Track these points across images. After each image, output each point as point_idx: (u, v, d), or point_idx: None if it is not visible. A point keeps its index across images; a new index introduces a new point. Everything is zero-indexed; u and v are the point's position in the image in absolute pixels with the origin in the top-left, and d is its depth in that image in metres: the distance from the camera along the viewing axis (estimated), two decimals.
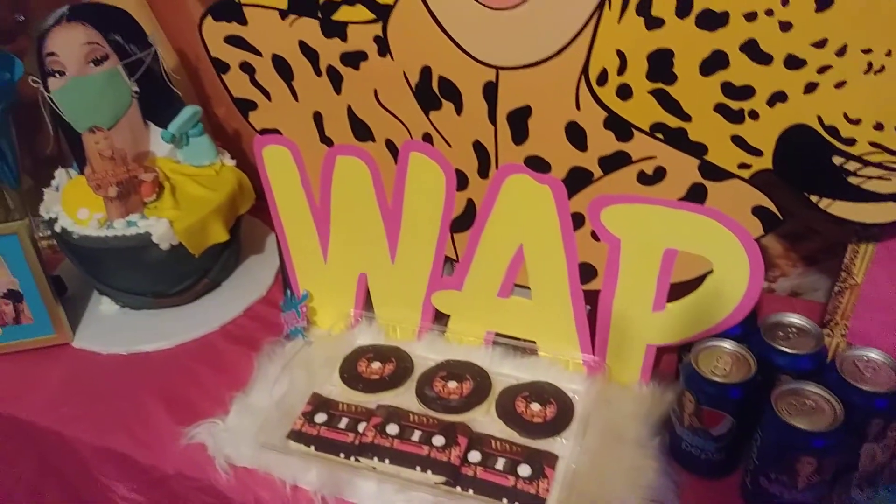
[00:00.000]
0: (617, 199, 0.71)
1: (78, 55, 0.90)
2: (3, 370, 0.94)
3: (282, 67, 0.76)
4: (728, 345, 0.68)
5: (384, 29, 0.70)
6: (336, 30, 0.72)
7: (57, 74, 0.91)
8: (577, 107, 0.67)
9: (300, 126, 0.80)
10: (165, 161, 0.99)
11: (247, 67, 0.78)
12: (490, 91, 0.70)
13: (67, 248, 0.95)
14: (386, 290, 0.88)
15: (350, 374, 0.84)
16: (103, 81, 0.92)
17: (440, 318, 0.87)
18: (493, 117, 0.71)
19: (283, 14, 0.73)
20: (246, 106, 0.80)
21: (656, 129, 0.66)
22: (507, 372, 0.83)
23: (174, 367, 0.92)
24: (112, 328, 0.98)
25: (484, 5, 0.65)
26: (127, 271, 0.96)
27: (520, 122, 0.70)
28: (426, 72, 0.71)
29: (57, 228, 0.94)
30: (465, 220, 0.79)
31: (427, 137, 0.75)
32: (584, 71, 0.66)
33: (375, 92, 0.75)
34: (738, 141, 0.63)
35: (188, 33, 1.04)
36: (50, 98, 0.91)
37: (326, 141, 0.80)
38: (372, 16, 0.70)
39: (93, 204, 0.92)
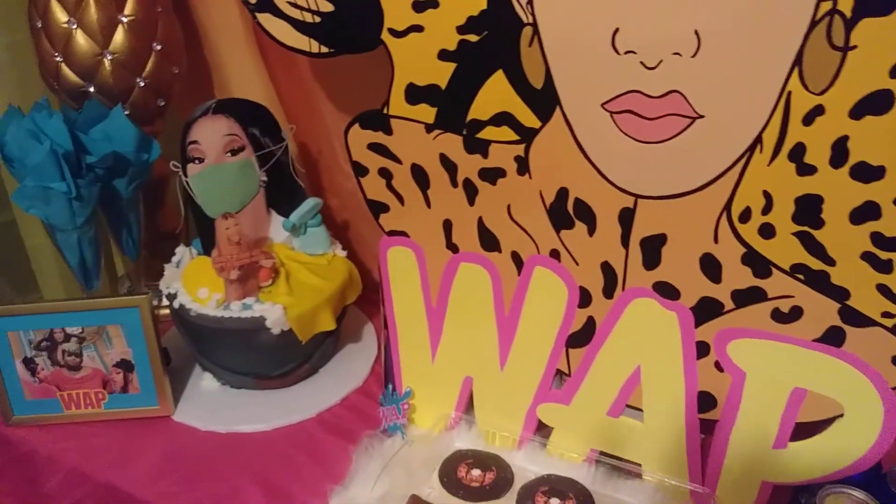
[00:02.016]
0: (747, 333, 0.70)
1: (218, 145, 0.94)
2: (106, 437, 0.95)
3: (419, 176, 0.79)
4: (857, 493, 0.66)
5: (526, 150, 0.73)
6: (478, 147, 0.75)
7: (196, 161, 0.95)
8: (715, 240, 0.68)
9: (428, 231, 0.82)
10: (282, 247, 1.02)
11: (385, 173, 0.80)
12: (626, 217, 0.71)
13: (182, 323, 0.98)
14: (490, 396, 0.88)
15: (449, 478, 0.83)
16: (237, 170, 0.96)
17: (541, 430, 0.86)
18: (625, 241, 0.72)
19: (429, 128, 0.76)
20: (378, 208, 0.83)
21: (797, 270, 0.66)
22: (609, 493, 0.81)
23: (271, 452, 0.92)
24: (212, 405, 0.99)
25: (631, 137, 0.67)
26: (235, 351, 0.98)
27: (653, 248, 0.71)
28: (563, 193, 0.73)
29: (175, 304, 0.96)
30: (582, 337, 0.79)
31: (554, 253, 0.76)
32: (727, 207, 0.66)
33: (508, 207, 0.77)
34: (884, 290, 0.62)
35: (316, 129, 1.09)
36: (186, 182, 0.95)
37: (452, 247, 0.81)
38: (516, 137, 0.72)
39: (213, 284, 0.95)
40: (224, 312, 0.93)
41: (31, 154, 0.89)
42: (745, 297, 0.69)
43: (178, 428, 0.96)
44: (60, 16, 0.98)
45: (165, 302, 1.03)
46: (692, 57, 0.61)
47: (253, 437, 0.95)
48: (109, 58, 0.99)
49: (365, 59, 0.75)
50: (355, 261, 1.07)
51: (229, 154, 0.96)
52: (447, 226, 0.80)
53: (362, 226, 1.13)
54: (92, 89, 1.01)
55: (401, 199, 0.81)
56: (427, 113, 0.75)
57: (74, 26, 0.97)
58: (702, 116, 0.63)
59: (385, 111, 0.77)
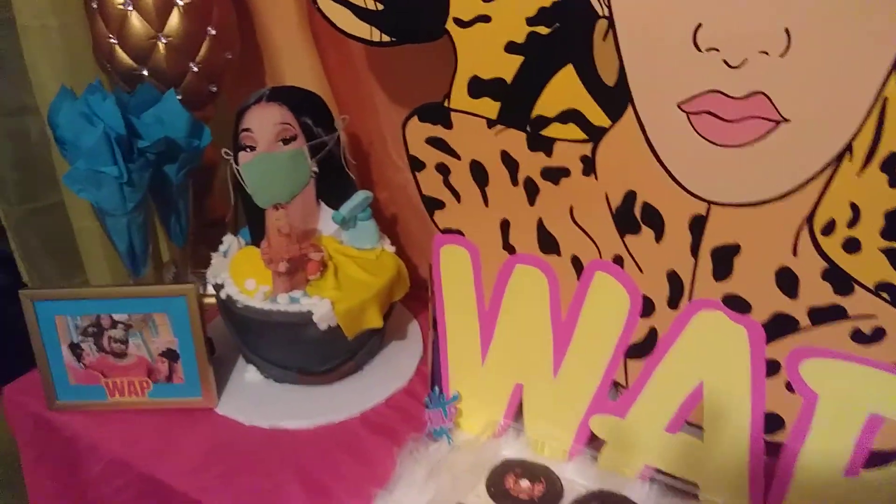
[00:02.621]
0: (822, 353, 0.66)
1: (270, 133, 0.92)
2: (148, 426, 0.94)
3: (478, 173, 0.76)
4: None
5: (594, 150, 0.69)
6: (542, 145, 0.71)
7: (248, 149, 0.93)
8: (794, 253, 0.64)
9: (485, 230, 0.79)
10: (330, 240, 1.00)
11: (442, 168, 0.78)
12: (697, 224, 0.67)
13: (228, 314, 0.96)
14: (542, 405, 0.85)
15: (497, 489, 0.80)
16: (288, 160, 0.94)
17: (593, 442, 0.83)
18: (695, 250, 0.68)
19: (491, 123, 0.73)
20: (434, 204, 0.80)
21: (882, 289, 0.61)
22: None
23: (314, 450, 0.90)
24: (255, 399, 0.98)
25: (708, 140, 0.63)
26: (281, 345, 0.96)
27: (725, 259, 0.67)
28: (630, 196, 0.69)
29: (222, 295, 0.95)
30: (643, 348, 0.75)
31: (618, 259, 0.73)
32: (809, 218, 0.62)
33: (571, 208, 0.73)
34: None
35: (368, 121, 1.07)
36: (237, 170, 0.94)
37: (509, 248, 0.78)
38: (583, 136, 0.69)
39: (260, 276, 0.93)
40: (271, 305, 0.91)
41: (84, 137, 0.88)
42: (823, 315, 0.65)
43: (220, 421, 0.95)
44: None
45: (211, 290, 1.02)
46: (780, 56, 0.57)
47: (296, 433, 0.93)
48: (164, 41, 0.98)
49: (424, 49, 0.72)
50: (402, 256, 1.04)
51: (281, 143, 0.94)
52: (505, 226, 0.77)
53: (411, 220, 1.11)
54: (145, 72, 1.00)
55: (457, 197, 0.79)
56: (490, 107, 0.72)
57: (130, 8, 0.96)
58: (787, 120, 0.59)
59: (446, 104, 0.74)
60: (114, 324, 0.92)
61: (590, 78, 0.67)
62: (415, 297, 1.07)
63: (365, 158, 1.11)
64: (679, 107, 0.63)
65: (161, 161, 0.96)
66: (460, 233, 0.81)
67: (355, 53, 1.02)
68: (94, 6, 0.98)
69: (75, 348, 0.93)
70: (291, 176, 0.95)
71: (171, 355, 0.94)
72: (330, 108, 0.98)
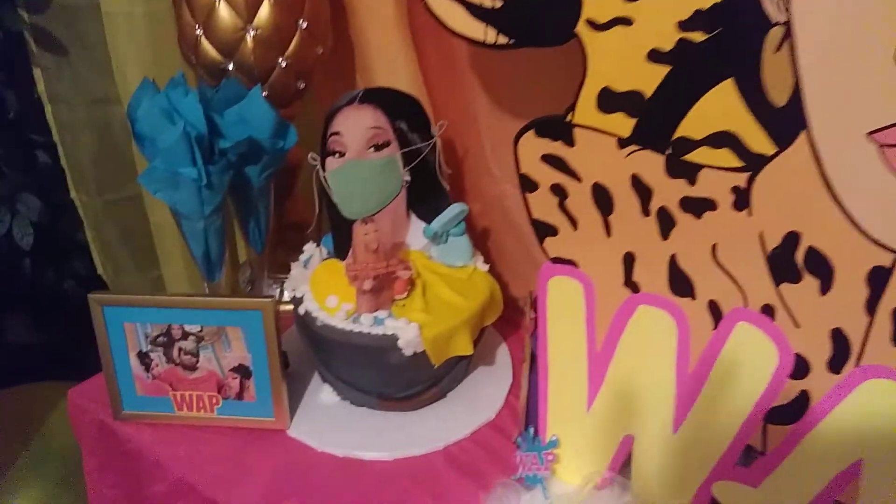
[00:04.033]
0: None
1: (361, 138, 0.83)
2: (216, 445, 0.86)
3: (602, 198, 0.65)
4: None
5: (750, 180, 0.57)
6: (685, 171, 0.59)
7: (336, 155, 0.84)
8: None
9: (604, 263, 0.67)
10: (419, 255, 0.90)
11: (559, 190, 0.67)
12: (879, 277, 0.54)
13: (306, 330, 0.87)
14: (655, 461, 0.73)
15: None
16: (379, 168, 0.84)
17: None
18: (872, 307, 0.55)
19: (623, 143, 0.61)
20: (545, 230, 0.69)
21: None
22: None
23: (391, 487, 0.80)
24: (329, 422, 0.88)
25: None
26: (361, 368, 0.87)
27: None
28: (792, 238, 0.57)
29: (301, 310, 0.86)
30: (789, 413, 0.63)
31: (767, 309, 0.61)
32: None
33: (714, 247, 0.61)
34: None
35: (465, 127, 0.96)
36: (324, 177, 0.84)
37: (632, 285, 0.67)
38: (739, 163, 0.57)
39: (343, 293, 0.84)
40: (353, 326, 0.82)
41: (163, 135, 0.80)
42: None
43: (292, 445, 0.86)
44: None
45: (286, 296, 0.93)
46: None
47: (372, 465, 0.83)
48: (252, 33, 0.89)
49: (541, 53, 0.61)
50: (493, 273, 0.94)
51: (372, 149, 0.84)
52: (629, 260, 0.66)
53: (504, 236, 1.00)
54: (231, 66, 0.91)
55: (574, 223, 0.67)
56: (623, 124, 0.61)
57: None
58: None
59: (569, 118, 0.63)
60: (185, 335, 0.84)
61: (754, 96, 0.54)
62: (504, 319, 0.96)
63: (458, 167, 1.01)
64: (870, 136, 0.50)
65: (243, 162, 0.88)
66: (573, 263, 0.69)
67: (458, 55, 0.91)
68: None
69: (144, 357, 0.86)
70: (382, 185, 0.86)
71: (242, 371, 0.85)
72: (427, 113, 0.87)
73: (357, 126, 0.83)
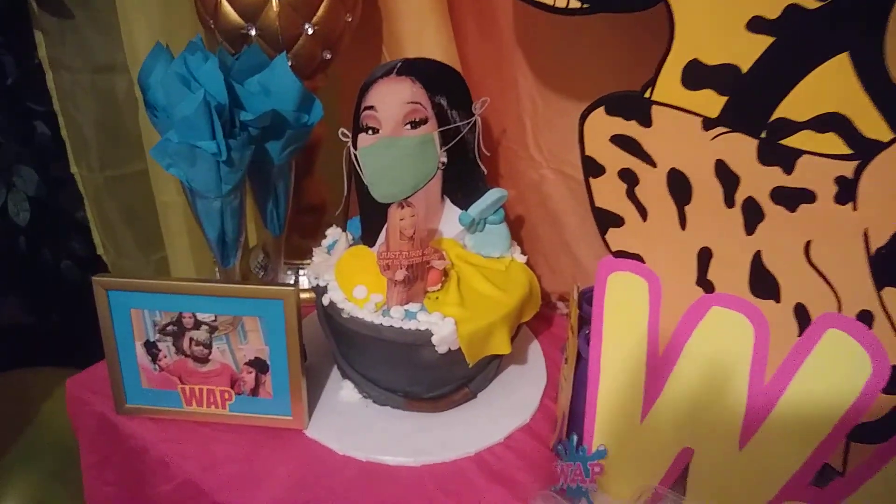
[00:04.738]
0: None
1: (397, 114, 0.75)
2: (228, 445, 0.79)
3: (678, 186, 0.57)
4: None
5: (859, 170, 0.50)
6: (781, 157, 0.52)
7: (369, 131, 0.76)
8: None
9: (674, 259, 0.60)
10: (452, 244, 0.83)
11: (628, 176, 0.59)
12: None
13: (329, 322, 0.80)
14: (717, 479, 0.66)
15: None
16: (415, 147, 0.77)
17: None
18: None
19: (709, 124, 0.54)
20: (608, 220, 0.62)
21: None
22: None
23: (419, 495, 0.73)
24: (350, 422, 0.81)
25: None
26: (388, 365, 0.80)
27: None
28: None
29: (324, 300, 0.79)
30: (878, 431, 0.56)
31: (864, 316, 0.54)
32: None
33: (808, 244, 0.54)
34: None
35: (505, 105, 0.88)
36: (355, 155, 0.77)
37: (705, 284, 0.60)
38: (848, 150, 0.50)
39: (372, 283, 0.77)
40: (383, 319, 0.75)
41: (181, 104, 0.72)
42: None
43: (310, 446, 0.79)
44: None
45: (304, 284, 0.85)
46: None
47: (397, 471, 0.76)
48: None
49: (607, 23, 0.54)
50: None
51: (408, 126, 0.77)
52: (704, 255, 0.59)
53: (540, 224, 0.93)
54: (253, 32, 0.83)
55: (643, 213, 0.60)
56: (711, 103, 0.54)
57: None
58: None
59: (648, 95, 0.55)
60: (197, 324, 0.76)
61: (872, 73, 0.47)
62: (536, 314, 0.89)
63: (494, 148, 0.93)
64: None
65: (264, 137, 0.80)
66: (638, 258, 0.62)
67: (501, 25, 0.83)
68: None
69: (151, 347, 0.78)
70: (417, 166, 0.78)
71: (259, 365, 0.78)
72: (468, 89, 0.79)
73: (393, 100, 0.75)
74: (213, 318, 0.76)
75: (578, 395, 0.73)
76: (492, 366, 0.85)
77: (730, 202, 0.56)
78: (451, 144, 0.79)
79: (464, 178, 0.82)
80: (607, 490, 0.72)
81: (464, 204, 0.81)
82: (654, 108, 0.56)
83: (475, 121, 0.80)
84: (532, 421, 0.83)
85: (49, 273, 1.36)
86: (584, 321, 0.73)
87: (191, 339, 0.77)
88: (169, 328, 0.77)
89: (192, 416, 0.81)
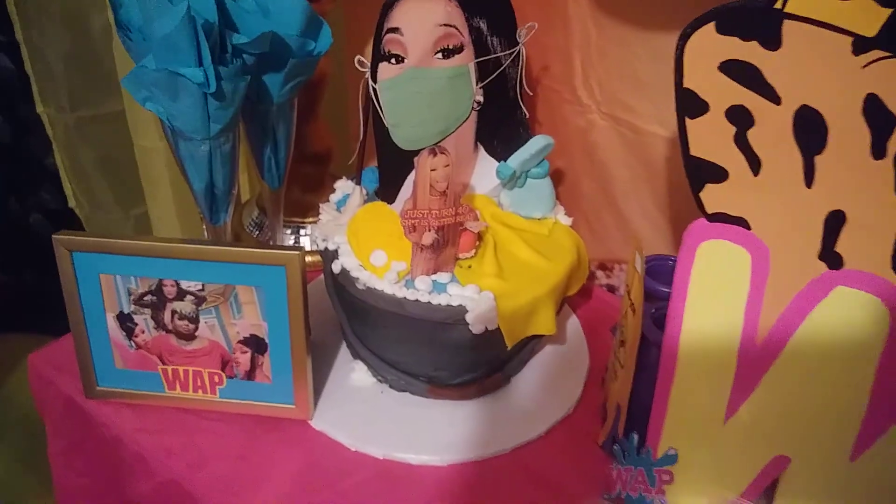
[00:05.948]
0: None
1: (427, 39, 0.62)
2: (218, 437, 0.67)
3: (808, 129, 0.44)
4: None
5: None
6: None
7: (393, 60, 0.62)
8: None
9: (793, 225, 0.47)
10: (486, 202, 0.70)
11: (740, 116, 0.46)
12: None
13: (340, 293, 0.67)
14: (817, 493, 0.55)
15: None
16: (446, 81, 0.63)
17: None
18: None
19: (862, 46, 0.40)
20: (706, 172, 0.48)
21: None
22: None
23: (447, 500, 0.62)
24: (363, 412, 0.69)
25: None
26: (409, 345, 0.67)
27: None
28: None
29: (335, 267, 0.66)
30: None
31: None
32: None
33: None
34: None
35: (547, 36, 0.74)
36: (374, 89, 0.63)
37: (830, 258, 0.47)
38: None
39: (393, 248, 0.64)
40: (406, 292, 0.62)
41: (160, 20, 0.58)
42: None
43: (317, 440, 0.67)
44: None
45: (308, 247, 0.76)
46: None
47: (420, 471, 0.64)
48: None
49: None
50: None
51: (440, 55, 0.63)
52: (834, 221, 0.46)
53: (584, 180, 0.80)
54: None
55: (755, 164, 0.47)
56: (867, 16, 0.40)
57: None
58: None
59: (780, 6, 0.41)
60: (181, 294, 0.64)
61: None
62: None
63: (532, 88, 0.79)
64: None
65: (261, 67, 0.66)
66: (743, 222, 0.49)
67: None
68: None
69: (125, 321, 0.66)
70: (447, 104, 0.65)
71: (255, 344, 0.65)
72: (513, 11, 0.65)
73: (423, 22, 0.62)
74: (199, 287, 0.63)
75: (641, 386, 0.61)
76: (528, 347, 0.73)
77: (879, 152, 0.43)
78: (489, 80, 0.65)
79: (502, 121, 0.69)
80: (675, 499, 0.60)
81: (500, 154, 0.68)
82: (787, 23, 0.42)
83: (519, 51, 0.65)
84: (575, 413, 0.71)
85: (17, 227, 1.22)
86: (649, 297, 0.61)
87: (173, 312, 0.65)
88: (147, 298, 0.64)
89: (176, 403, 0.69)
